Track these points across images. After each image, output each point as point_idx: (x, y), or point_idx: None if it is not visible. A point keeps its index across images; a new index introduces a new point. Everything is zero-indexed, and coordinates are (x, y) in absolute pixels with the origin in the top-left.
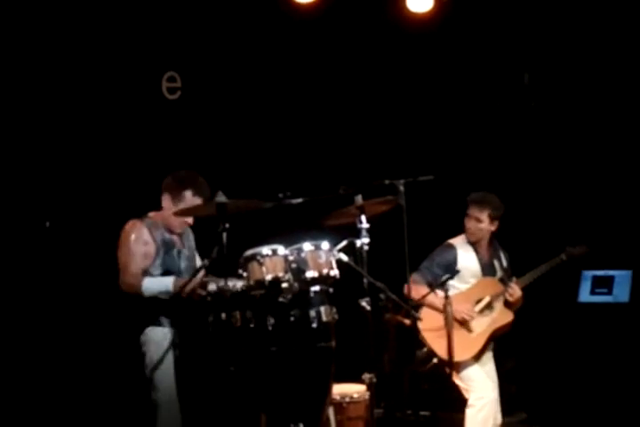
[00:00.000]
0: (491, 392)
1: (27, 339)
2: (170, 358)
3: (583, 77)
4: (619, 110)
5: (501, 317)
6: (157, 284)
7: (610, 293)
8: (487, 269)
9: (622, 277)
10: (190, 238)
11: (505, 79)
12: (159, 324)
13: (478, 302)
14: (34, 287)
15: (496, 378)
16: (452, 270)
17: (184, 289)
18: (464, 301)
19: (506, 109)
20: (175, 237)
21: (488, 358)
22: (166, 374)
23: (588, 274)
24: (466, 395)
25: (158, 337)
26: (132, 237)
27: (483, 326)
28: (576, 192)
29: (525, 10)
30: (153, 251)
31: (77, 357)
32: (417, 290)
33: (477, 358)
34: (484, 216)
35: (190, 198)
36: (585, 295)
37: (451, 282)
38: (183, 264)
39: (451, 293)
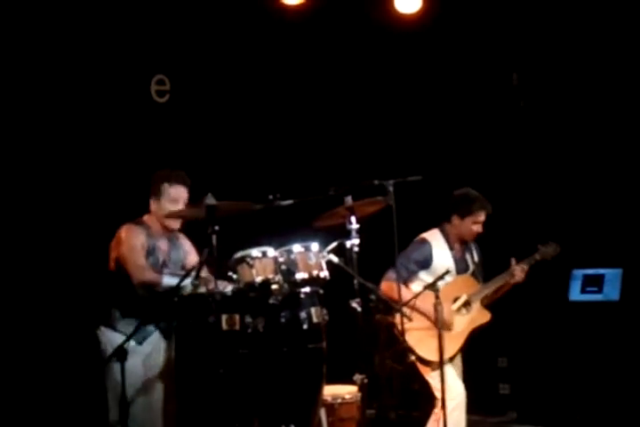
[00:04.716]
0: (462, 393)
1: (24, 337)
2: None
3: (572, 77)
4: (607, 109)
5: (479, 316)
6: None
7: (600, 291)
8: (460, 265)
9: (612, 276)
10: (180, 247)
11: (493, 79)
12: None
13: (455, 300)
14: (31, 287)
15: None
16: (428, 266)
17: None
18: (441, 300)
19: (494, 109)
20: (163, 247)
21: (459, 358)
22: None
23: (579, 273)
24: (436, 393)
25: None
26: (131, 240)
27: (461, 325)
28: (565, 191)
29: (513, 10)
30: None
31: (77, 354)
32: (392, 287)
33: (452, 358)
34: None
35: (168, 189)
36: (575, 294)
37: (424, 277)
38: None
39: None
